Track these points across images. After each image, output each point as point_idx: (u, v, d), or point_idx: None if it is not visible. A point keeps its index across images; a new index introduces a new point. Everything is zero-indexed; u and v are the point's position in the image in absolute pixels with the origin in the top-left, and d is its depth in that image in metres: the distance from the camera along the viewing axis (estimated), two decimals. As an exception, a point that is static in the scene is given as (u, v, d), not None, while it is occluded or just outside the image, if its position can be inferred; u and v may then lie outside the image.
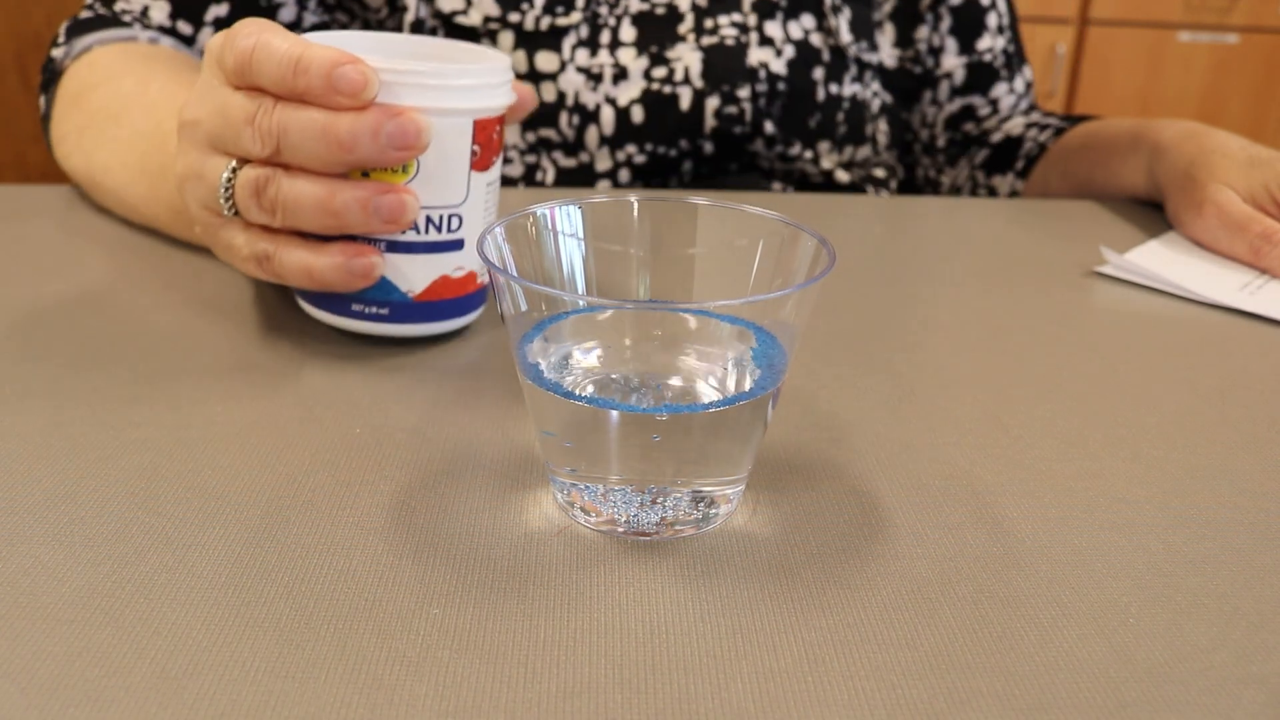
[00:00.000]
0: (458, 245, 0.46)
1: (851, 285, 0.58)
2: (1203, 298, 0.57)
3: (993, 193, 0.88)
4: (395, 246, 0.45)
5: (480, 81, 0.44)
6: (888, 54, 0.85)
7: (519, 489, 0.38)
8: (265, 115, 0.42)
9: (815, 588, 0.33)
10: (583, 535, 0.36)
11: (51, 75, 0.70)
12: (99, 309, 0.51)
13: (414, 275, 0.46)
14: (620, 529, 0.35)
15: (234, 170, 0.44)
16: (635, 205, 0.39)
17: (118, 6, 0.73)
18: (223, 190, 0.45)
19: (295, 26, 0.76)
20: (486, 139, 0.45)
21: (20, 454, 0.39)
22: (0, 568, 0.33)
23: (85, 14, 0.73)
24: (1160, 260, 0.62)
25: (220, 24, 0.73)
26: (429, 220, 0.45)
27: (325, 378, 0.45)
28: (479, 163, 0.45)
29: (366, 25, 0.80)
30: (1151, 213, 0.73)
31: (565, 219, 0.38)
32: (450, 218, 0.45)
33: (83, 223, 0.63)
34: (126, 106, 0.61)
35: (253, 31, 0.43)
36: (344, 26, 0.79)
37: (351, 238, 0.44)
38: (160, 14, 0.72)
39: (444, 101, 0.43)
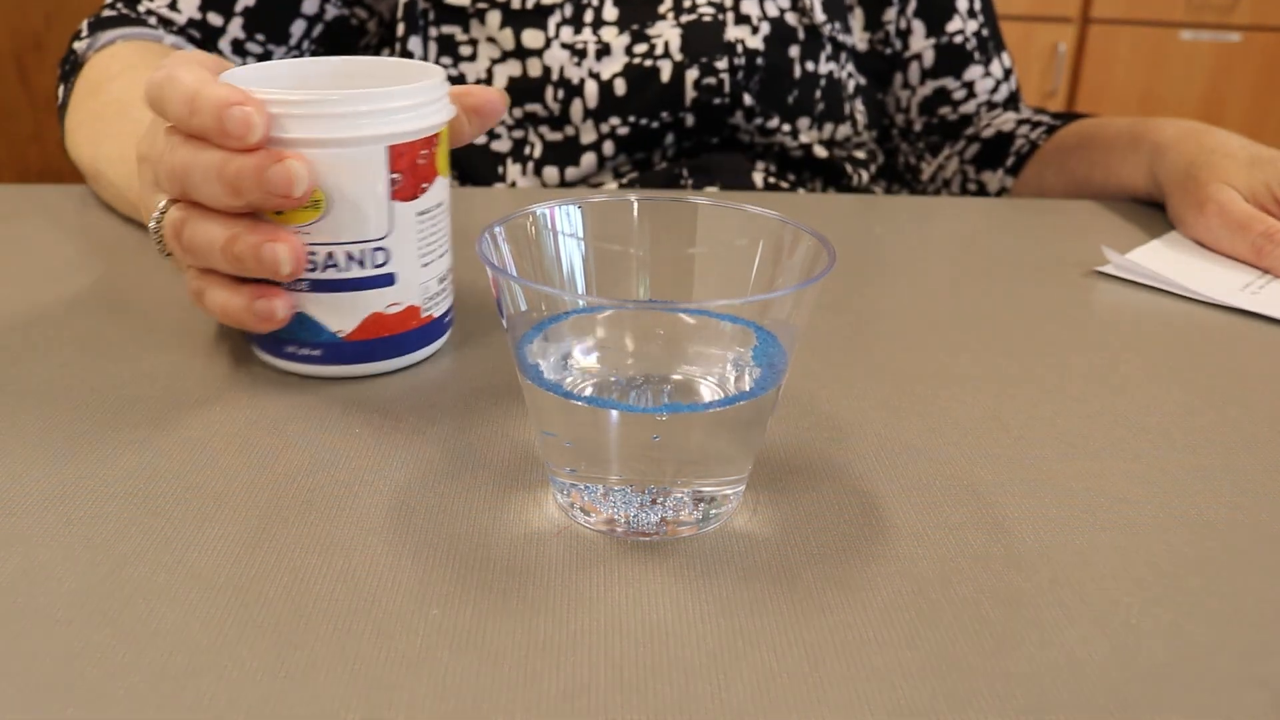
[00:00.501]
0: (387, 280, 0.43)
1: (851, 285, 0.58)
2: (1205, 297, 0.57)
3: (982, 188, 0.88)
4: (318, 285, 0.43)
5: (391, 105, 0.41)
6: (859, 37, 0.86)
7: (519, 489, 0.38)
8: (171, 153, 0.42)
9: (815, 588, 0.33)
10: (582, 535, 0.36)
11: (73, 66, 0.70)
12: (98, 309, 0.51)
13: (341, 314, 0.43)
14: (620, 529, 0.35)
15: (162, 211, 0.44)
16: (635, 205, 0.39)
17: (142, 7, 0.73)
18: (153, 231, 0.45)
19: (318, 18, 0.78)
20: (409, 165, 0.42)
21: (20, 454, 0.39)
22: (0, 568, 0.33)
23: (109, 12, 0.73)
24: (1162, 260, 0.62)
25: (249, 13, 0.74)
26: (349, 256, 0.42)
27: (325, 378, 0.45)
28: (401, 192, 0.42)
29: (382, 16, 0.81)
30: (1152, 212, 0.73)
31: (565, 219, 0.38)
32: (373, 251, 0.43)
33: (82, 223, 0.63)
34: (138, 99, 0.61)
35: (169, 64, 0.42)
36: (362, 21, 0.80)
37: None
38: (190, 6, 0.73)
39: (347, 131, 0.41)
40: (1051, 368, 0.49)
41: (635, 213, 0.39)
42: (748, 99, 0.78)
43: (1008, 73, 0.90)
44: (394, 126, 0.41)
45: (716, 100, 0.77)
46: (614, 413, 0.34)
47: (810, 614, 0.32)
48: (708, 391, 0.37)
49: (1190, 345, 0.52)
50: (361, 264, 0.43)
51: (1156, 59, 2.19)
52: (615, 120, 0.77)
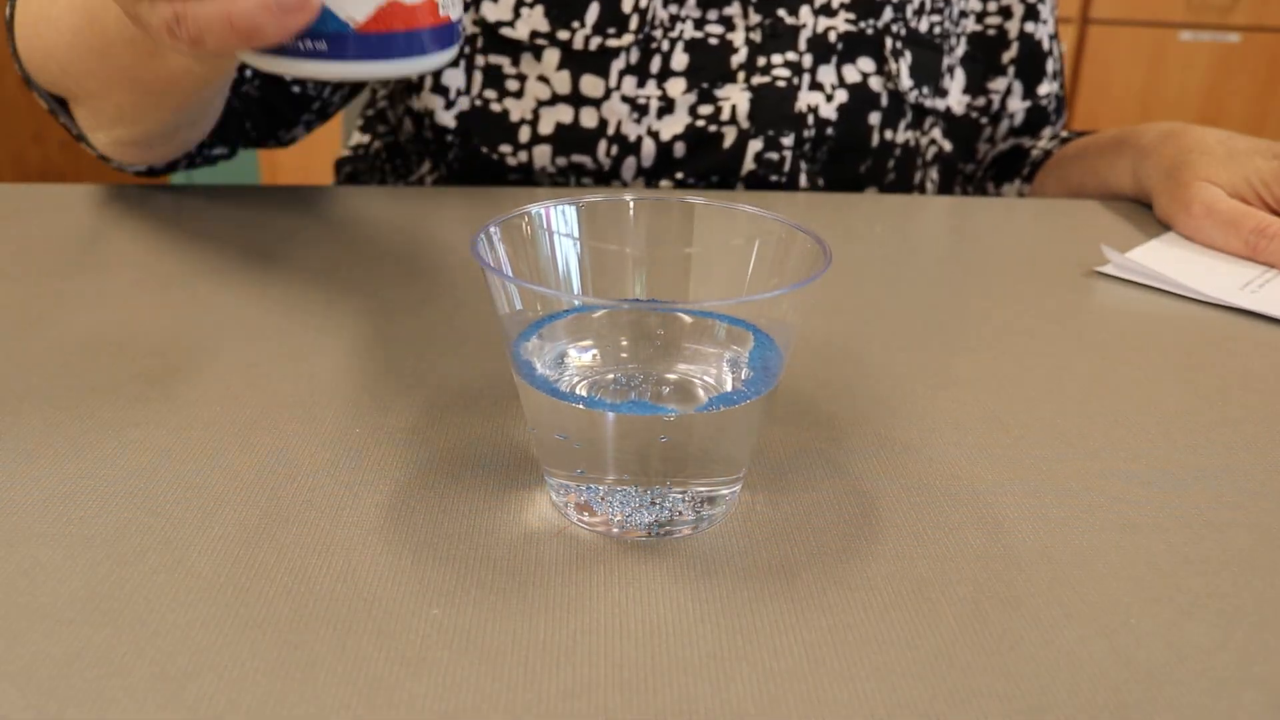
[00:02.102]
0: None
1: (851, 285, 0.58)
2: (1205, 296, 0.57)
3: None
4: None
5: None
6: (956, 100, 0.82)
7: (518, 489, 0.38)
8: None
9: (815, 588, 0.33)
10: (582, 536, 0.36)
11: None
12: (98, 308, 0.51)
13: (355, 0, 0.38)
14: (617, 529, 0.35)
15: None
16: (631, 205, 0.39)
17: None
18: None
19: None
20: None
21: (20, 454, 0.39)
22: (0, 568, 0.33)
23: None
24: (1162, 259, 0.62)
25: None
26: None
27: (325, 378, 0.45)
28: None
29: None
30: (1153, 212, 0.73)
31: (561, 218, 0.38)
32: None
33: (82, 222, 0.63)
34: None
35: None
36: None
37: None
38: None
39: None
40: (1051, 368, 0.49)
41: (631, 213, 0.39)
42: (804, 180, 0.76)
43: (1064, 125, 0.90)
44: None
45: (773, 177, 0.75)
46: (614, 414, 0.34)
47: (810, 614, 0.32)
48: (706, 391, 0.37)
49: (1190, 345, 0.52)
50: None
51: (1156, 59, 2.19)
52: (665, 182, 0.74)
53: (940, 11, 0.79)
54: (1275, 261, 0.61)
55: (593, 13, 0.71)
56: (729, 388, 0.37)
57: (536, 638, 0.31)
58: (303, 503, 0.37)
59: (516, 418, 0.43)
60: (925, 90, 0.79)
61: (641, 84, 0.72)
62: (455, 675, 0.30)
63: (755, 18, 0.73)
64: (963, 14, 0.81)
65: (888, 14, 0.76)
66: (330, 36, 0.38)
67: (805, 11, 0.74)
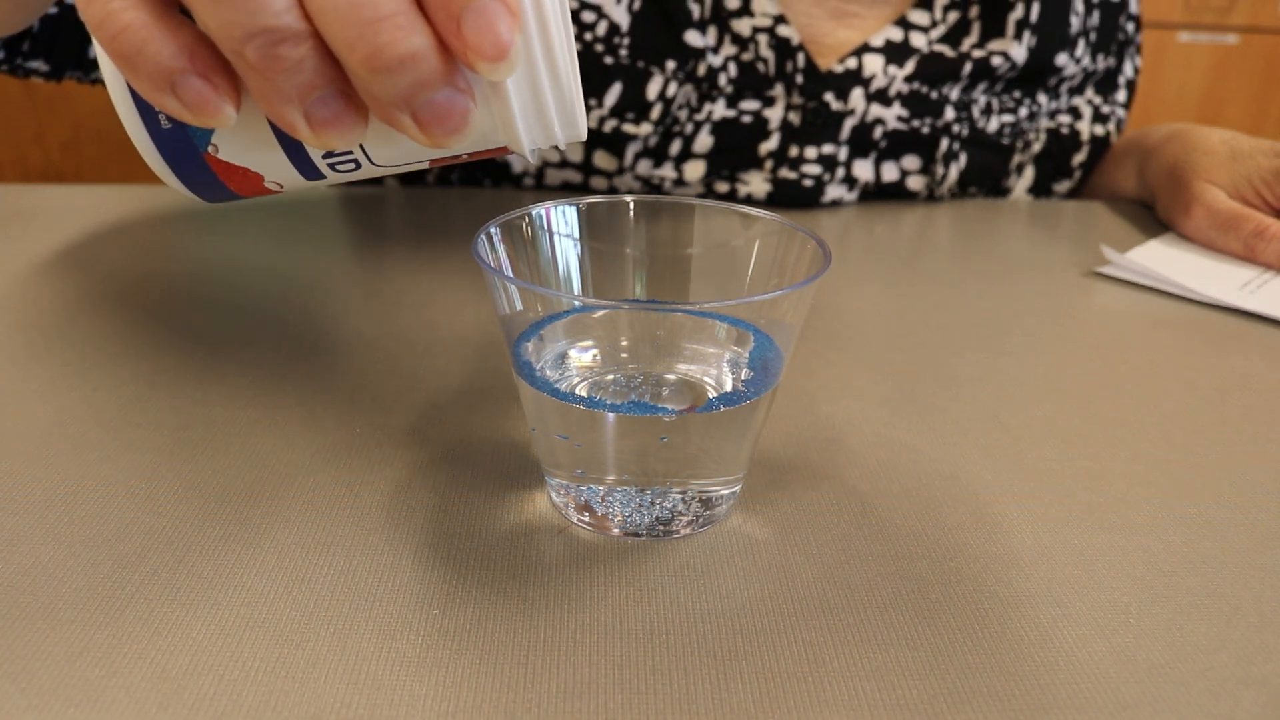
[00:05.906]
0: (316, 175, 0.34)
1: (851, 285, 0.58)
2: (1204, 297, 0.57)
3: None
4: (278, 131, 0.32)
5: (555, 131, 0.32)
6: (1018, 199, 0.79)
7: (519, 489, 0.38)
8: None
9: (815, 588, 0.33)
10: (582, 535, 0.36)
11: None
12: (99, 309, 0.51)
13: (247, 148, 0.33)
14: (617, 530, 0.35)
15: None
16: (631, 205, 0.39)
17: None
18: None
19: None
20: (476, 156, 0.35)
21: (20, 454, 0.39)
22: (0, 568, 0.33)
23: None
24: (1161, 259, 0.62)
25: None
26: (337, 153, 0.33)
27: (325, 377, 0.45)
28: (441, 160, 0.35)
29: None
30: (1152, 212, 0.73)
31: (561, 219, 0.38)
32: (351, 161, 0.34)
33: (83, 223, 0.63)
34: None
35: None
36: None
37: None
38: None
39: (529, 127, 0.31)
40: (1051, 368, 0.49)
41: (631, 213, 0.39)
42: None
43: None
44: (530, 139, 0.32)
45: None
46: (614, 415, 0.34)
47: (810, 614, 0.32)
48: (705, 392, 0.37)
49: (1188, 345, 0.52)
50: (330, 158, 0.34)
51: (1155, 60, 2.19)
52: None
53: (1014, 111, 0.74)
54: (1272, 263, 0.61)
55: (613, 94, 0.66)
56: (729, 388, 0.37)
57: (536, 637, 0.31)
58: (303, 503, 0.37)
59: (516, 418, 0.43)
60: (971, 190, 0.76)
61: (658, 165, 0.69)
62: (455, 675, 0.30)
63: (799, 99, 0.68)
64: (1032, 115, 0.77)
65: (949, 113, 0.71)
66: (180, 134, 0.33)
67: (857, 95, 0.69)
